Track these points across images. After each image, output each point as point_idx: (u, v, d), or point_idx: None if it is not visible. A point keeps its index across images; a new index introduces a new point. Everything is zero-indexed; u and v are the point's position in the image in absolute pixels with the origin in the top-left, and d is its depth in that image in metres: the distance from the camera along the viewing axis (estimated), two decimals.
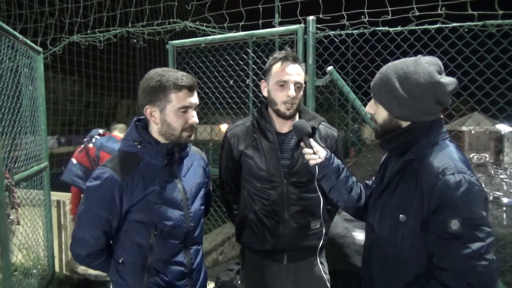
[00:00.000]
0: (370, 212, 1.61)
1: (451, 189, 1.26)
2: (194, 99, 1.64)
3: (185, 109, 1.61)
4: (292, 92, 1.91)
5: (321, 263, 2.14)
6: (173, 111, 1.60)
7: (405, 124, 1.45)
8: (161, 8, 4.38)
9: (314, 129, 1.98)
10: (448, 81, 1.36)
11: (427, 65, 1.36)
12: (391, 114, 1.45)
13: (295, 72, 1.94)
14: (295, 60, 1.96)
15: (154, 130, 1.67)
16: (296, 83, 1.93)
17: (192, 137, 1.71)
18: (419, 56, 1.42)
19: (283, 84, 1.93)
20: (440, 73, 1.37)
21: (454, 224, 1.24)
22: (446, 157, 1.34)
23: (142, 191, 1.61)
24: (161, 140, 1.66)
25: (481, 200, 1.27)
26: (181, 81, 1.58)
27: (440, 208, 1.27)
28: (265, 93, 2.06)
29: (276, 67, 1.96)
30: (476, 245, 1.22)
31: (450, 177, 1.27)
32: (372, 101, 1.53)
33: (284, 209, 1.99)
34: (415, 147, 1.42)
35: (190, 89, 1.61)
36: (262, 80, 2.07)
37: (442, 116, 1.49)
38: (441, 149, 1.38)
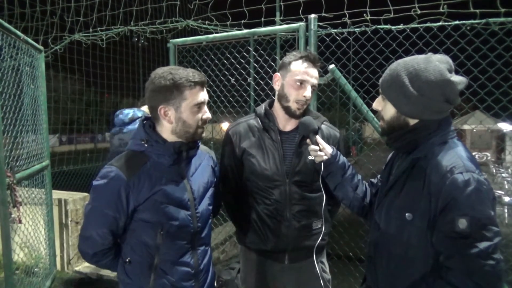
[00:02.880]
0: (375, 211, 1.60)
1: (460, 188, 1.25)
2: (205, 94, 1.66)
3: (200, 105, 1.62)
4: (308, 93, 1.90)
5: (322, 262, 2.13)
6: (189, 108, 1.60)
7: (412, 122, 1.44)
8: (163, 7, 4.38)
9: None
10: (458, 80, 1.35)
11: (438, 63, 1.35)
12: (399, 111, 1.44)
13: (315, 75, 1.93)
14: (316, 64, 1.94)
15: (166, 129, 1.66)
16: (313, 85, 1.93)
17: (204, 134, 1.73)
18: (430, 53, 1.42)
19: (301, 83, 1.91)
20: (450, 71, 1.36)
21: (462, 223, 1.23)
22: (455, 156, 1.33)
23: (148, 190, 1.60)
24: (171, 138, 1.66)
25: (489, 200, 1.27)
26: (193, 78, 1.58)
27: (448, 207, 1.26)
28: (276, 87, 2.02)
29: (297, 64, 1.92)
30: (483, 245, 1.22)
31: (458, 176, 1.27)
32: (380, 98, 1.52)
33: (286, 208, 1.97)
34: (423, 145, 1.41)
35: (202, 85, 1.63)
36: (276, 74, 2.03)
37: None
38: (449, 148, 1.37)
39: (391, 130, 1.49)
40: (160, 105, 1.61)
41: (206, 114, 1.66)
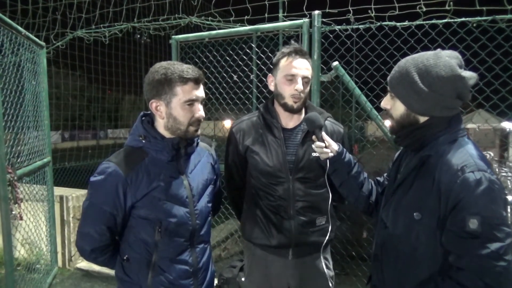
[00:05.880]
0: (382, 209, 1.58)
1: (471, 187, 1.23)
2: (200, 92, 1.61)
3: (191, 102, 1.58)
4: (300, 86, 1.90)
5: (326, 259, 2.13)
6: (179, 105, 1.57)
7: (422, 119, 1.41)
8: (166, 4, 4.35)
9: None
10: (469, 75, 1.32)
11: (448, 58, 1.33)
12: (410, 108, 1.41)
13: (304, 67, 1.92)
14: (303, 54, 1.94)
15: (160, 124, 1.64)
16: (304, 78, 1.92)
17: (199, 132, 1.69)
18: (438, 49, 1.39)
19: (291, 78, 1.91)
20: (460, 66, 1.34)
21: (473, 223, 1.21)
22: (465, 154, 1.30)
23: (146, 186, 1.58)
24: (167, 135, 1.64)
25: (501, 199, 1.24)
26: (187, 74, 1.55)
27: (459, 206, 1.24)
28: (271, 87, 2.04)
29: (284, 61, 1.94)
30: (495, 245, 1.19)
31: (470, 175, 1.24)
32: (388, 96, 1.50)
33: (289, 205, 1.97)
34: (433, 143, 1.39)
35: (196, 81, 1.58)
36: (269, 75, 2.06)
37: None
38: (460, 146, 1.34)
39: (401, 128, 1.46)
40: (152, 99, 1.59)
41: (199, 112, 1.61)
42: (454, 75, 1.30)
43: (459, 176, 1.25)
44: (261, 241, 2.06)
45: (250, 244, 2.16)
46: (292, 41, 2.01)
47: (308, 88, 1.99)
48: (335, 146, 1.73)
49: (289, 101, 1.94)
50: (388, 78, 1.47)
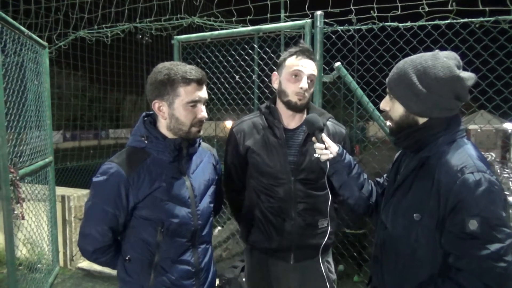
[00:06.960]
0: (382, 210, 1.57)
1: (470, 188, 1.22)
2: (203, 93, 1.61)
3: (194, 103, 1.58)
4: (304, 84, 1.89)
5: (328, 262, 2.11)
6: (182, 106, 1.57)
7: (422, 120, 1.41)
8: (168, 4, 4.36)
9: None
10: (467, 75, 1.32)
11: (446, 59, 1.32)
12: (409, 110, 1.41)
13: (309, 66, 1.92)
14: (310, 55, 1.94)
15: (163, 125, 1.64)
16: (309, 76, 1.91)
17: (201, 133, 1.68)
18: (437, 50, 1.39)
19: (296, 75, 1.90)
20: (459, 67, 1.33)
21: (472, 224, 1.20)
22: (465, 155, 1.30)
23: (148, 187, 1.58)
24: (169, 135, 1.64)
25: (500, 200, 1.24)
26: (190, 75, 1.55)
27: (458, 207, 1.24)
28: (275, 85, 2.03)
29: (291, 60, 1.93)
30: (494, 246, 1.19)
31: (469, 176, 1.24)
32: (387, 97, 1.49)
33: (290, 206, 1.95)
34: (432, 144, 1.38)
35: (199, 82, 1.58)
36: (274, 73, 2.04)
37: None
38: (459, 147, 1.34)
39: (400, 129, 1.46)
40: (154, 100, 1.59)
41: (202, 113, 1.61)
42: (452, 76, 1.30)
43: (459, 177, 1.25)
44: (261, 244, 2.04)
45: (250, 247, 2.14)
46: (301, 41, 2.01)
47: (312, 89, 1.98)
48: (335, 148, 1.71)
49: (293, 98, 1.92)
50: (387, 79, 1.47)
